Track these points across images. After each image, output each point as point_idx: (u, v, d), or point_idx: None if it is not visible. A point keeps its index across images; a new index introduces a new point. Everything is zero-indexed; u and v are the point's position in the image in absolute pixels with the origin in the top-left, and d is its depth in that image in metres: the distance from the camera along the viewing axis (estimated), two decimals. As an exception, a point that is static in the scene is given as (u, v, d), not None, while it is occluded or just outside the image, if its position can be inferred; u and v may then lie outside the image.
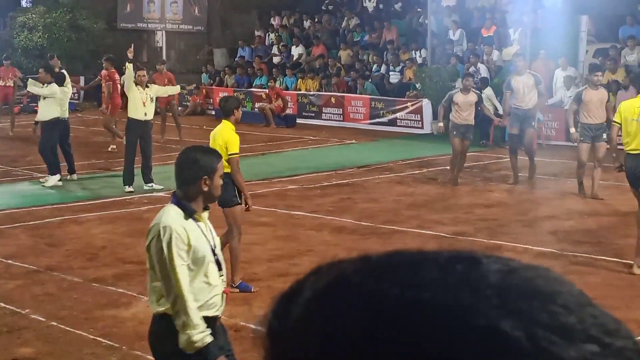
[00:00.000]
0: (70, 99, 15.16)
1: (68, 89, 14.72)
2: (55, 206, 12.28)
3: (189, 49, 28.62)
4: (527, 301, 0.62)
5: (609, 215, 11.42)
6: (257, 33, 27.33)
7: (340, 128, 21.09)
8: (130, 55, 13.22)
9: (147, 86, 13.28)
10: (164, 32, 26.01)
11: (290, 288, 0.69)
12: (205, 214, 4.48)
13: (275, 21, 27.49)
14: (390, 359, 0.60)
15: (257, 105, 22.85)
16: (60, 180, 13.78)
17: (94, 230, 10.75)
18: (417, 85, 20.70)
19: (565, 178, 13.85)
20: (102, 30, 27.24)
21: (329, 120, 22.02)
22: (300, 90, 23.08)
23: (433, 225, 10.84)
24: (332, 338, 0.62)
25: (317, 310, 0.64)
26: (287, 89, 23.30)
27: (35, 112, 17.18)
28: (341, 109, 21.90)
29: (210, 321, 4.37)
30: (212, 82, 25.60)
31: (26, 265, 9.10)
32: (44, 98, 13.88)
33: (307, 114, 22.48)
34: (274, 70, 24.13)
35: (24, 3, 30.70)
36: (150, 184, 13.18)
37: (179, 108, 20.08)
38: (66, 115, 14.27)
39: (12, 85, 20.46)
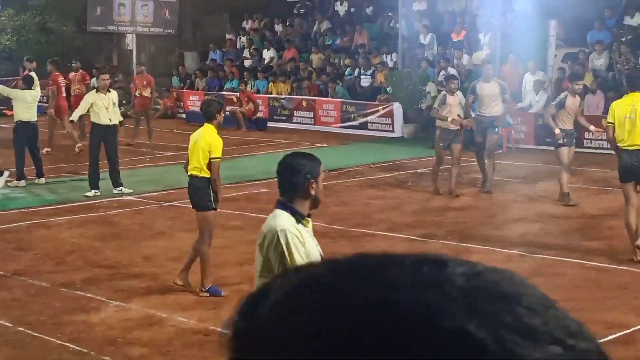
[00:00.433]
0: (38, 102, 15.02)
1: (37, 92, 14.59)
2: (23, 210, 12.16)
3: (160, 51, 28.45)
4: (493, 303, 0.62)
5: (577, 217, 11.53)
6: (228, 36, 27.26)
7: (312, 131, 21.09)
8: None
9: (109, 91, 13.15)
10: (134, 35, 25.82)
11: (257, 290, 0.68)
12: (310, 222, 4.56)
13: (246, 24, 27.44)
14: (359, 357, 0.60)
15: (228, 108, 22.75)
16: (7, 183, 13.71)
17: (63, 234, 10.64)
18: (388, 89, 20.76)
19: (535, 182, 13.96)
20: (72, 32, 27.03)
21: (300, 123, 22.02)
22: (271, 93, 23.05)
23: (403, 228, 10.88)
24: (302, 337, 0.62)
25: (287, 311, 0.64)
26: (258, 92, 23.26)
27: (4, 115, 17.01)
28: (312, 113, 21.91)
29: None
30: (182, 85, 25.48)
31: (-7, 270, 9.00)
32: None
33: (278, 118, 22.46)
34: (245, 73, 24.08)
35: (-8, 5, 30.38)
36: (119, 188, 13.08)
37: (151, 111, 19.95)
38: (34, 118, 14.16)
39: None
